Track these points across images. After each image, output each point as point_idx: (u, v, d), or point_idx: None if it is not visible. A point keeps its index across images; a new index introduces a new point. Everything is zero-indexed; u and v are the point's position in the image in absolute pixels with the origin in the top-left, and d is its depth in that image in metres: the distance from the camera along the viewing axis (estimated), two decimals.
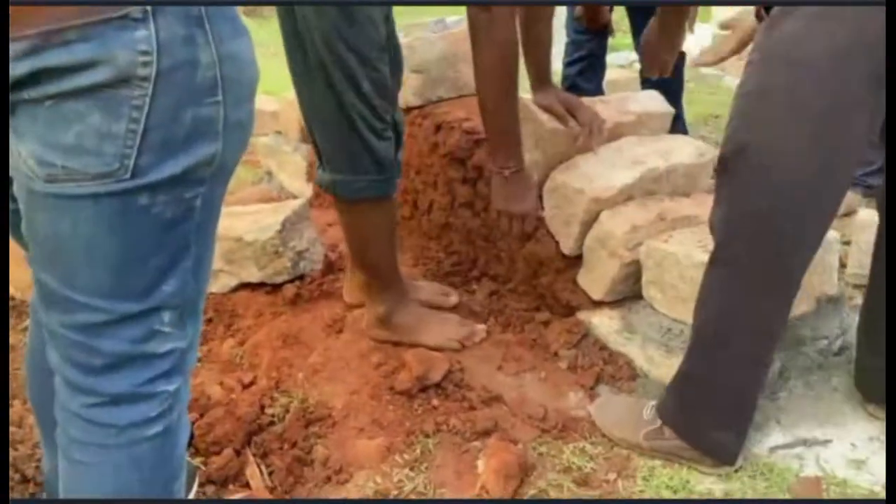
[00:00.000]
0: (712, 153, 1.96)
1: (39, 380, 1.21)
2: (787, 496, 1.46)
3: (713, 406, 1.52)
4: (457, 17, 2.51)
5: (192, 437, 1.65)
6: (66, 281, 0.93)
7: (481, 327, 1.96)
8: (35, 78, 0.83)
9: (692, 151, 2.00)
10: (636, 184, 1.90)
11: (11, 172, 0.93)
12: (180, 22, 0.86)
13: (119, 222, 0.90)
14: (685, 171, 1.96)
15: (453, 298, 2.04)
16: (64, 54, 0.82)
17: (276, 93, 3.31)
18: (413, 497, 1.51)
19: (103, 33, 0.82)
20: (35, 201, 0.91)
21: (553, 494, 1.49)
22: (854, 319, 1.92)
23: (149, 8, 0.83)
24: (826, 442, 1.60)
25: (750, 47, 1.46)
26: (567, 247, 1.95)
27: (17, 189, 0.93)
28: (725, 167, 1.39)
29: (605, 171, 1.93)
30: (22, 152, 0.88)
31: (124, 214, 0.90)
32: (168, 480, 1.05)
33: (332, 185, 1.80)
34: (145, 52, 0.84)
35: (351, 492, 1.54)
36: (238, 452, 1.66)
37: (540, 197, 1.96)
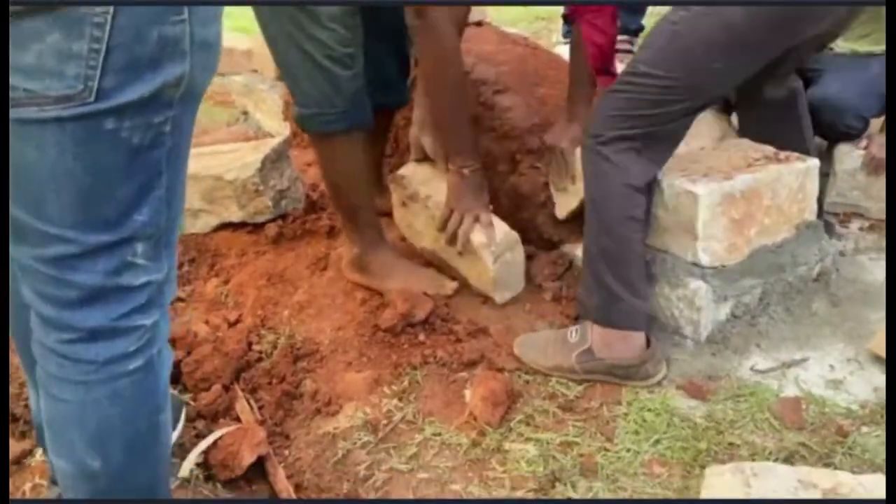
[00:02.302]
0: (731, 135, 1.93)
1: (20, 316, 1.19)
2: (768, 416, 1.50)
3: (621, 273, 1.61)
4: None
5: (178, 374, 1.66)
6: (35, 212, 0.90)
7: (452, 284, 1.92)
8: None
9: (715, 131, 1.96)
10: None
11: None
12: None
13: (85, 148, 0.87)
14: (699, 154, 1.89)
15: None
16: None
17: (249, 31, 3.23)
18: (402, 425, 1.54)
19: None
20: None
21: (539, 419, 1.52)
22: (832, 245, 1.96)
23: None
24: (804, 363, 1.64)
25: None
26: (561, 213, 1.95)
27: None
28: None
29: None
30: None
31: (91, 140, 0.87)
32: (152, 413, 1.04)
33: (302, 119, 1.80)
34: None
35: (341, 422, 1.56)
36: (227, 388, 1.67)
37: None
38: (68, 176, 0.89)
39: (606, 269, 1.62)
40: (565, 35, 3.20)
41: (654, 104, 1.56)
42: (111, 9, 0.82)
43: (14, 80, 0.83)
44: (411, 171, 2.04)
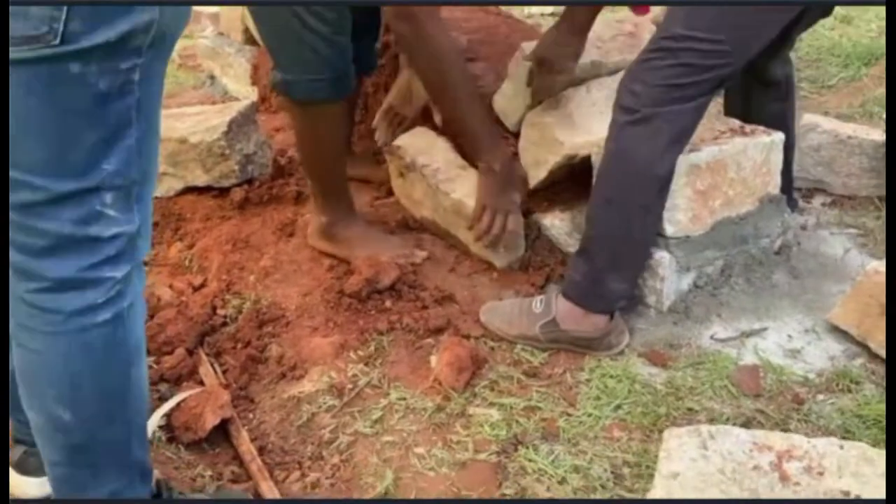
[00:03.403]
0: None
1: None
2: (726, 383, 1.53)
3: (617, 258, 1.59)
4: None
5: None
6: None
7: (422, 253, 1.91)
8: None
9: None
10: None
11: None
12: None
13: (50, 90, 0.86)
14: None
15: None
16: None
17: None
18: (368, 390, 1.54)
19: None
20: None
21: (503, 385, 1.54)
22: (794, 219, 1.99)
23: None
24: (763, 332, 1.67)
25: None
26: (530, 184, 1.93)
27: None
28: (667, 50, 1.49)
29: (589, 119, 1.85)
30: None
31: (56, 83, 0.86)
32: (123, 366, 1.03)
33: (283, 84, 1.75)
34: None
35: (306, 386, 1.56)
36: (191, 352, 1.66)
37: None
38: (33, 119, 0.88)
39: (601, 249, 1.59)
40: None
41: (699, 70, 1.48)
42: None
43: None
44: (408, 141, 2.02)
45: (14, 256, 0.96)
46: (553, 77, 1.80)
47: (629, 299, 1.68)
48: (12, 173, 0.90)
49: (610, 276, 1.59)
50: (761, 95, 1.91)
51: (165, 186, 2.16)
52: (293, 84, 1.73)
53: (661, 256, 1.69)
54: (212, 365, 1.64)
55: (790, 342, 1.65)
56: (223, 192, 2.16)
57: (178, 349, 1.64)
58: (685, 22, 1.48)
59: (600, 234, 1.60)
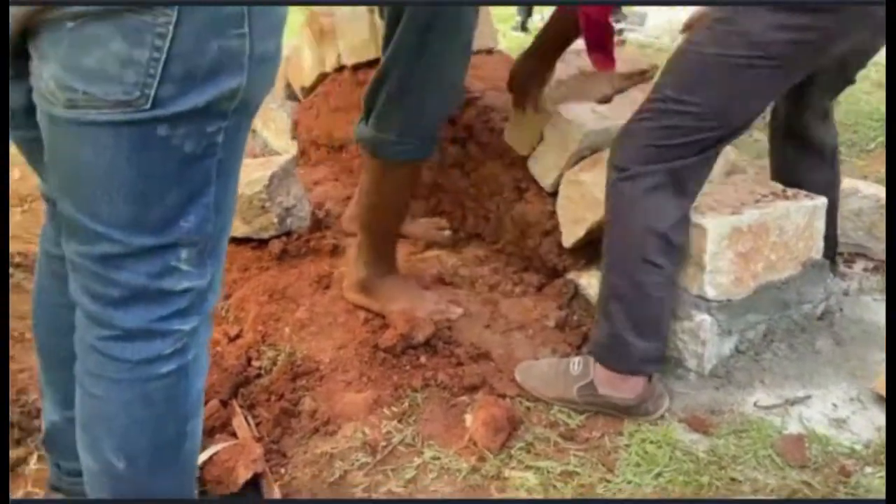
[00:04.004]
0: (740, 170, 1.94)
1: (45, 317, 1.20)
2: (770, 452, 1.48)
3: (633, 316, 1.57)
4: None
5: None
6: (84, 210, 0.92)
7: (458, 309, 1.89)
8: None
9: (721, 165, 1.87)
10: None
11: (34, 98, 0.91)
12: None
13: (137, 152, 0.89)
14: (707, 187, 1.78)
15: (447, 232, 2.03)
16: None
17: None
18: (401, 447, 1.52)
19: None
20: (55, 127, 0.90)
21: (539, 448, 1.51)
22: (836, 284, 1.96)
23: None
24: (808, 400, 1.62)
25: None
26: (567, 242, 1.93)
27: (39, 115, 0.92)
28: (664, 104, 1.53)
29: None
30: (44, 75, 0.87)
31: (143, 145, 0.88)
32: (180, 420, 1.04)
33: (375, 142, 1.74)
34: None
35: (339, 442, 1.54)
36: (224, 403, 1.65)
37: None
38: (120, 178, 0.90)
39: (617, 309, 1.58)
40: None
41: (686, 132, 1.50)
42: (174, 19, 0.83)
43: (74, 82, 0.85)
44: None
45: (89, 305, 0.98)
46: (523, 96, 1.91)
47: (660, 361, 1.64)
48: (93, 225, 0.93)
49: (630, 335, 1.57)
50: (805, 160, 1.90)
51: None
52: (386, 144, 1.73)
53: (703, 319, 1.67)
54: (245, 417, 1.63)
55: (835, 411, 1.60)
56: (262, 243, 2.18)
57: (212, 400, 1.63)
58: (673, 85, 1.52)
59: (612, 293, 1.60)
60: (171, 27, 0.83)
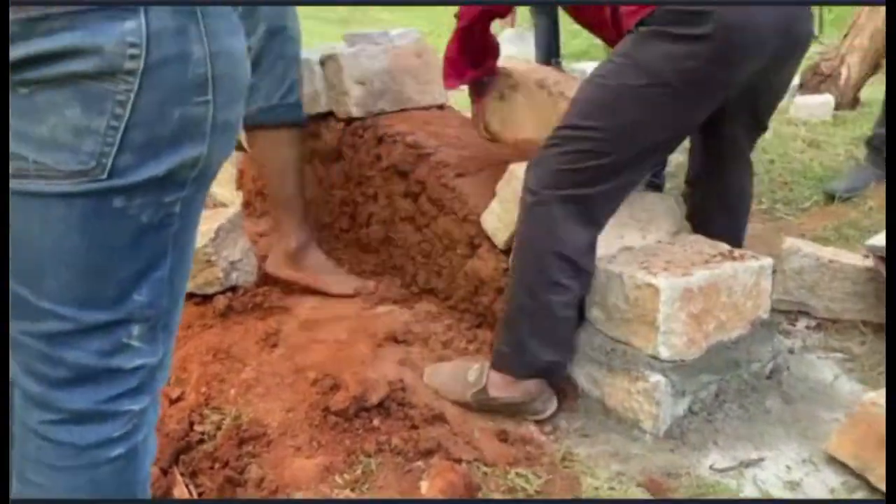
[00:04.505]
0: (686, 230, 1.97)
1: None
2: None
3: (538, 330, 1.68)
4: (401, 30, 2.50)
5: None
6: (31, 285, 0.86)
7: (371, 283, 2.18)
8: (16, 66, 0.77)
9: (670, 226, 1.96)
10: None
11: None
12: (173, 14, 0.81)
13: (91, 224, 0.84)
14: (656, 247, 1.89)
15: (370, 285, 2.19)
16: (47, 42, 0.76)
17: None
18: None
19: (91, 22, 0.77)
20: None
21: None
22: (782, 342, 1.99)
23: None
24: (761, 462, 1.63)
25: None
26: None
27: None
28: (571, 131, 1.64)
29: None
30: None
31: (97, 216, 0.83)
32: None
33: (256, 112, 1.99)
34: (133, 45, 0.78)
35: None
36: (165, 472, 1.57)
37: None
38: (70, 252, 0.85)
39: (522, 322, 1.69)
40: None
41: (589, 157, 1.60)
42: (135, 87, 0.80)
43: (24, 150, 0.80)
44: (511, 64, 2.10)
45: (31, 386, 0.91)
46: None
47: (560, 372, 1.76)
48: (39, 302, 0.87)
49: (532, 343, 1.68)
50: (717, 208, 1.98)
51: None
52: (265, 110, 2.04)
53: (657, 380, 1.67)
54: (187, 486, 1.55)
55: (789, 473, 1.61)
56: (206, 299, 2.10)
57: (152, 468, 1.54)
58: (577, 113, 1.64)
59: (518, 306, 1.71)
60: (132, 94, 0.80)
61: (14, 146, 0.80)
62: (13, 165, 0.81)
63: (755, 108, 1.82)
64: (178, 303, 0.98)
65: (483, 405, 1.73)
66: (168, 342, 0.98)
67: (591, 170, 1.61)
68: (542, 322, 1.68)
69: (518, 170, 1.92)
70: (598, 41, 2.15)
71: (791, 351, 2.03)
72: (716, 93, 1.61)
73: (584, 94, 1.66)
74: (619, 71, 1.59)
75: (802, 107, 4.08)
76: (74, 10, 0.76)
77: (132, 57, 0.79)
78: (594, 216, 1.67)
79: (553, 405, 1.75)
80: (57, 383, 0.90)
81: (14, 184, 0.82)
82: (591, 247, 1.69)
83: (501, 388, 1.71)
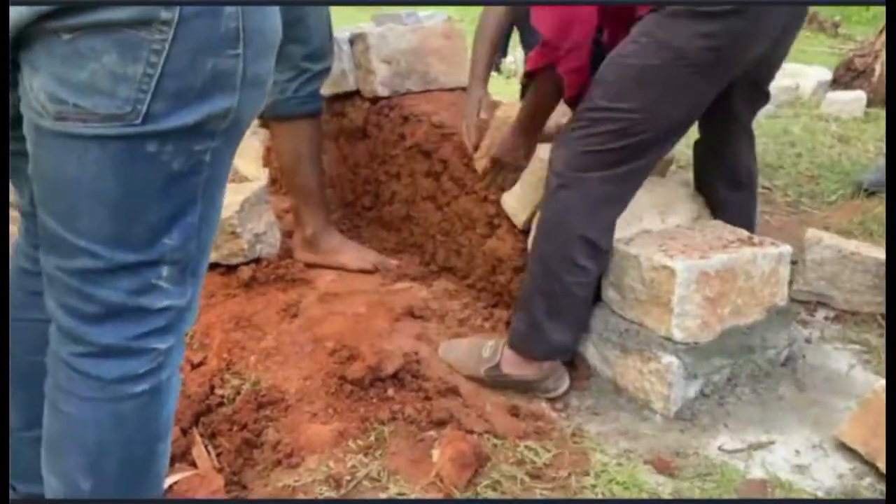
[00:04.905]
0: (706, 217, 1.97)
1: (15, 333, 1.16)
2: (734, 496, 1.49)
3: (554, 310, 1.70)
4: (429, 12, 2.52)
5: None
6: (67, 223, 0.91)
7: (393, 262, 2.23)
8: (60, 12, 0.80)
9: (690, 211, 1.96)
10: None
11: (22, 109, 0.90)
12: None
13: (124, 167, 0.88)
14: (675, 231, 1.89)
15: (392, 263, 2.24)
16: None
17: None
18: (366, 482, 1.49)
19: None
20: (42, 139, 0.88)
21: (506, 486, 1.49)
22: (799, 332, 1.99)
23: None
24: (771, 446, 1.64)
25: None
26: None
27: (25, 128, 0.90)
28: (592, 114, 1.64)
29: None
30: (34, 86, 0.85)
31: (131, 160, 0.87)
32: (151, 440, 1.02)
33: (274, 105, 2.04)
34: None
35: (302, 475, 1.51)
36: (185, 431, 1.62)
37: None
38: (105, 193, 0.89)
39: (539, 302, 1.71)
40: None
41: (617, 136, 1.61)
42: (170, 36, 0.83)
43: (65, 93, 0.84)
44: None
45: (63, 319, 0.96)
46: (507, 174, 1.89)
47: (570, 350, 1.80)
48: (74, 240, 0.91)
49: (549, 325, 1.71)
50: (723, 181, 1.97)
51: None
52: (281, 102, 2.06)
53: (670, 362, 1.68)
54: (206, 447, 1.60)
55: (798, 457, 1.62)
56: (230, 269, 2.15)
57: (173, 428, 1.59)
58: (603, 94, 1.62)
59: (536, 287, 1.72)
60: (167, 44, 0.83)
61: (55, 90, 0.84)
62: (54, 109, 0.85)
63: (756, 79, 1.82)
64: (207, 250, 1.02)
65: (496, 381, 1.76)
66: (195, 286, 1.02)
67: (618, 150, 1.62)
68: (560, 303, 1.70)
69: (543, 153, 1.94)
70: None
71: (808, 340, 2.03)
72: (734, 67, 1.62)
73: (608, 76, 1.64)
74: (641, 51, 1.59)
75: (834, 102, 4.04)
76: None
77: (168, 7, 0.82)
78: (620, 196, 1.69)
79: (565, 384, 1.77)
80: (88, 318, 0.94)
81: (56, 126, 0.86)
82: (612, 226, 1.72)
83: (515, 365, 1.74)
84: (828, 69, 4.80)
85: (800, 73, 4.56)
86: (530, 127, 1.77)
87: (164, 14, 0.82)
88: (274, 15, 0.96)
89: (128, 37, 0.82)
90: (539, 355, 1.73)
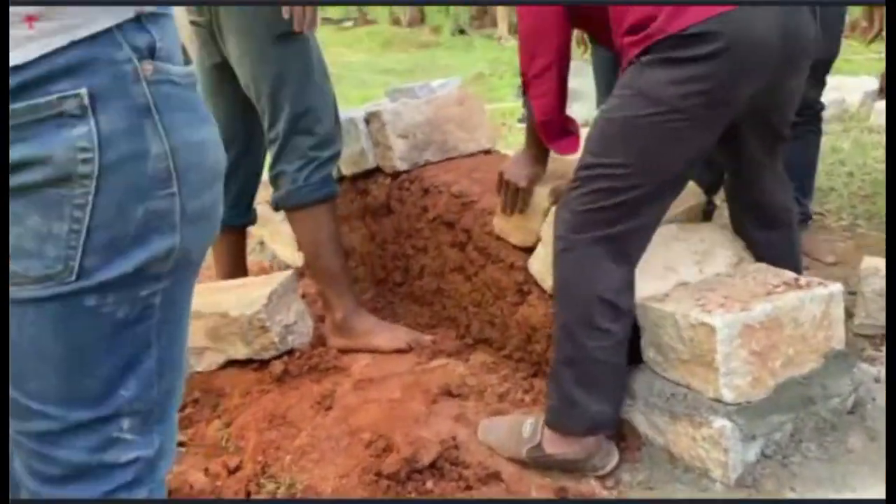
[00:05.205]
0: (748, 260, 1.87)
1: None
2: None
3: (583, 380, 1.61)
4: (442, 81, 2.50)
5: None
6: (18, 387, 0.87)
7: (428, 337, 2.17)
8: None
9: (729, 257, 1.86)
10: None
11: None
12: (125, 115, 0.81)
13: (64, 325, 0.84)
14: (714, 281, 1.79)
15: (426, 339, 2.17)
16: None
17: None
18: None
19: (40, 132, 0.78)
20: None
21: None
22: (866, 372, 1.84)
23: (87, 103, 0.79)
24: None
25: None
26: None
27: None
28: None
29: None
30: None
31: (70, 317, 0.84)
32: None
33: (287, 196, 2.09)
34: (85, 149, 0.79)
35: None
36: None
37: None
38: (47, 353, 0.86)
39: (567, 374, 1.63)
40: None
41: (609, 194, 1.56)
42: (91, 188, 0.80)
43: None
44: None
45: (30, 483, 0.92)
46: (510, 194, 1.87)
47: (612, 424, 1.67)
48: (27, 402, 0.88)
49: (581, 396, 1.61)
50: (753, 220, 1.87)
51: (207, 361, 2.14)
52: (295, 192, 2.09)
53: (723, 426, 1.57)
54: None
55: None
56: (263, 364, 2.13)
57: None
58: (592, 150, 1.60)
59: (562, 356, 1.65)
60: (90, 197, 0.80)
61: None
62: None
63: (768, 123, 1.73)
64: (173, 392, 0.97)
65: (539, 462, 1.66)
66: (164, 433, 0.97)
67: (612, 207, 1.56)
68: (587, 371, 1.62)
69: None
70: None
71: (877, 380, 1.87)
72: (724, 111, 1.54)
73: (595, 132, 1.62)
74: (623, 103, 1.56)
75: (882, 112, 3.86)
76: (24, 120, 0.77)
77: (84, 161, 0.79)
78: (624, 254, 1.61)
79: (614, 460, 1.66)
80: (51, 480, 0.90)
81: None
82: (629, 285, 1.64)
83: (557, 444, 1.64)
84: (875, 77, 4.62)
85: (844, 86, 4.40)
86: (532, 147, 1.84)
87: (82, 168, 0.79)
88: (214, 148, 0.93)
89: (48, 196, 0.79)
90: (578, 431, 1.62)
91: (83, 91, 0.78)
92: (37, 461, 0.90)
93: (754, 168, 1.79)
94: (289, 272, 2.32)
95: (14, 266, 0.81)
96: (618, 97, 1.57)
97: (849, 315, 1.92)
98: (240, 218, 2.41)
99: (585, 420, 1.62)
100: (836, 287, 1.70)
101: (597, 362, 1.61)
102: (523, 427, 1.70)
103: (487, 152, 2.49)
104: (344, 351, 2.16)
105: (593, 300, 1.59)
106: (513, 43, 8.88)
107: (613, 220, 1.57)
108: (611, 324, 1.60)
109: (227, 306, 2.11)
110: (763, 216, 1.85)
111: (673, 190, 1.64)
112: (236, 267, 2.46)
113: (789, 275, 1.75)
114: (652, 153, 1.54)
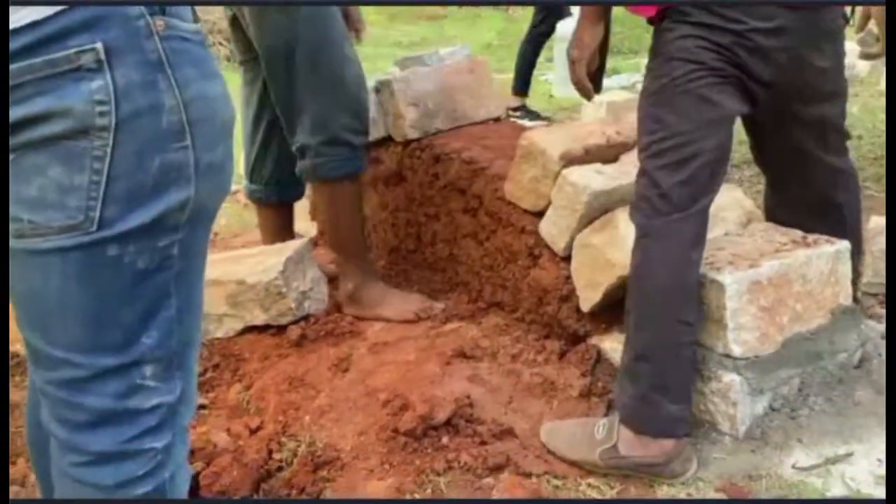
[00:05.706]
0: (758, 218, 1.87)
1: (37, 437, 1.19)
2: None
3: (663, 377, 1.54)
4: (451, 49, 2.52)
5: (197, 487, 1.62)
6: (44, 337, 0.91)
7: (439, 305, 2.21)
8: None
9: (739, 216, 1.89)
10: None
11: None
12: (139, 68, 0.84)
13: (88, 275, 0.88)
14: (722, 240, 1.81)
15: (437, 307, 2.21)
16: (23, 108, 0.81)
17: None
18: None
19: (59, 86, 0.81)
20: (9, 259, 0.90)
21: None
22: (873, 328, 1.87)
23: (103, 57, 0.82)
24: (850, 458, 1.54)
25: None
26: (585, 306, 1.89)
27: None
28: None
29: None
30: None
31: (93, 266, 0.88)
32: None
33: (313, 168, 2.11)
34: (102, 102, 0.82)
35: None
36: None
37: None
38: (72, 303, 0.90)
39: (646, 370, 1.55)
40: None
41: (681, 165, 1.51)
42: (110, 141, 0.83)
43: (18, 211, 0.85)
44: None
45: (58, 431, 0.97)
46: (580, 69, 1.66)
47: (688, 421, 1.59)
48: (53, 351, 0.92)
49: (659, 396, 1.54)
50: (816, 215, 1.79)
51: (226, 327, 2.19)
52: (322, 165, 2.11)
53: (732, 380, 1.60)
54: None
55: (880, 467, 1.51)
56: (281, 329, 2.17)
57: (234, 498, 1.60)
58: (645, 131, 1.57)
59: (640, 354, 1.56)
60: (108, 149, 0.83)
61: (11, 209, 0.86)
62: (12, 227, 0.87)
63: (825, 123, 1.69)
64: (192, 341, 1.01)
65: (614, 465, 1.56)
66: (185, 378, 1.01)
67: (684, 183, 1.51)
68: (667, 368, 1.54)
69: (569, 174, 1.90)
70: None
71: (883, 336, 1.90)
72: (759, 66, 1.51)
73: (641, 112, 1.60)
74: (655, 75, 1.56)
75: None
76: (43, 75, 0.80)
77: (102, 114, 0.82)
78: (702, 235, 1.56)
79: (693, 465, 1.56)
80: (79, 427, 0.95)
81: (16, 245, 0.87)
82: (699, 270, 1.58)
83: (634, 446, 1.55)
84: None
85: (853, 52, 4.36)
86: (591, 16, 1.63)
87: (100, 121, 0.82)
88: (224, 102, 0.96)
89: (68, 148, 0.83)
90: (656, 432, 1.54)
91: (99, 45, 0.82)
92: (65, 409, 0.94)
93: (801, 159, 1.72)
94: (304, 239, 2.35)
95: (37, 217, 0.85)
96: (650, 70, 1.57)
97: (857, 274, 1.94)
98: (287, 192, 2.43)
99: (663, 421, 1.54)
100: (844, 244, 1.73)
101: (678, 358, 1.55)
102: (596, 428, 1.60)
103: (497, 120, 2.51)
104: (356, 317, 2.20)
105: (677, 289, 1.53)
106: (520, 13, 8.81)
107: (687, 199, 1.51)
108: (692, 314, 1.55)
109: (245, 274, 2.16)
110: (817, 211, 1.77)
111: (726, 157, 1.58)
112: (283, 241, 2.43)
113: (797, 233, 1.78)
114: (695, 113, 1.51)
